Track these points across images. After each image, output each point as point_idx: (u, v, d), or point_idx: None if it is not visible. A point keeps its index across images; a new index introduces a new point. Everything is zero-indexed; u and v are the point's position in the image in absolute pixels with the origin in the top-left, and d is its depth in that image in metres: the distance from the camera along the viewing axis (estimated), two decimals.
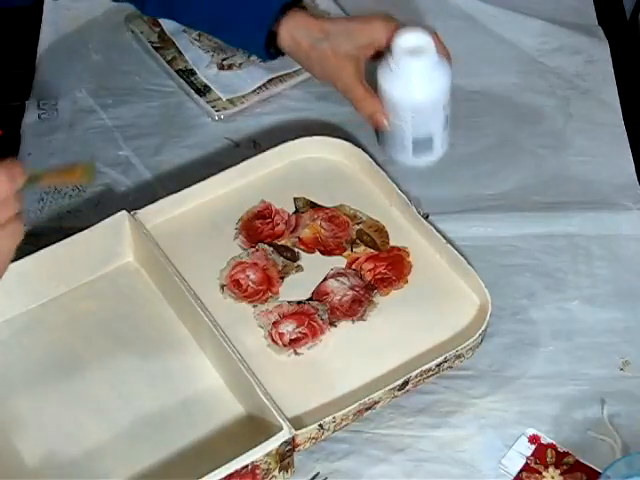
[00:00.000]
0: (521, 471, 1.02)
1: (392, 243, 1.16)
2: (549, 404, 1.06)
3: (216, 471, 0.93)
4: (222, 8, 1.22)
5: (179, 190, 1.16)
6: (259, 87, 1.31)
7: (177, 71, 1.32)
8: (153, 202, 1.14)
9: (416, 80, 1.12)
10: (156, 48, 1.34)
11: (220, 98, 1.30)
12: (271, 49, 1.23)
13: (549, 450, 1.03)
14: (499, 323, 1.11)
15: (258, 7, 1.21)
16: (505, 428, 1.04)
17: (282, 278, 1.13)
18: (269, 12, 1.20)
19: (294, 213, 1.18)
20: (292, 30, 1.19)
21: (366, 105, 1.17)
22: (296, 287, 1.12)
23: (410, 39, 1.11)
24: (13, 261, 0.90)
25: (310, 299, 1.12)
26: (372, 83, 1.18)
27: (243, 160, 1.19)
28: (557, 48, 1.38)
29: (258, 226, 1.17)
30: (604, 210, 1.21)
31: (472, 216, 1.20)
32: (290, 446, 0.97)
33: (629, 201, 1.22)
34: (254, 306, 1.11)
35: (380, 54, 1.16)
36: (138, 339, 1.08)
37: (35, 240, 1.10)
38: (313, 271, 1.14)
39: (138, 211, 1.13)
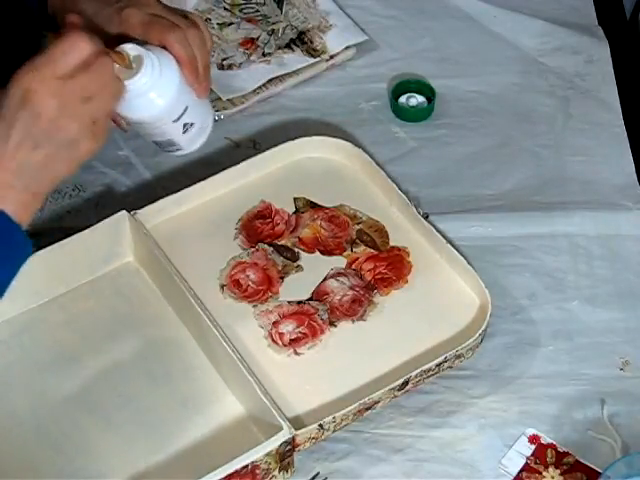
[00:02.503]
0: (521, 471, 1.02)
1: (392, 243, 1.16)
2: (549, 404, 1.06)
3: (216, 471, 0.93)
4: None
5: (179, 190, 1.16)
6: (259, 87, 1.31)
7: None
8: (153, 202, 1.14)
9: (131, 101, 0.96)
10: None
11: (220, 98, 1.30)
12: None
13: (549, 450, 1.03)
14: (499, 323, 1.11)
15: None
16: (505, 428, 1.04)
17: (282, 278, 1.13)
18: None
19: (294, 213, 1.18)
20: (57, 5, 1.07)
21: None
22: (296, 287, 1.12)
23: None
24: None
25: (310, 299, 1.12)
26: None
27: (243, 160, 1.19)
28: (557, 48, 1.38)
29: (258, 226, 1.17)
30: (604, 210, 1.21)
31: (472, 216, 1.20)
32: (290, 446, 0.97)
33: (629, 201, 1.22)
34: (254, 306, 1.11)
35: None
36: (138, 339, 1.08)
37: (35, 240, 1.09)
38: (313, 271, 1.14)
39: (138, 211, 1.13)
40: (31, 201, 0.88)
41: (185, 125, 1.02)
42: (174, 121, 1.00)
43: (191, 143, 1.04)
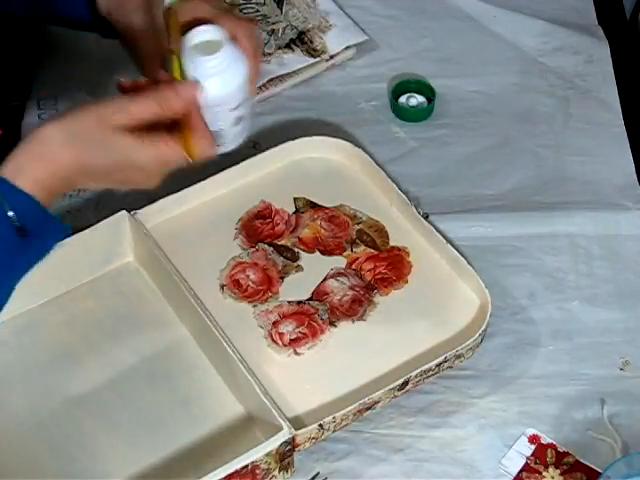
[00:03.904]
0: (521, 471, 1.02)
1: (392, 243, 1.16)
2: (549, 404, 1.06)
3: (216, 471, 0.93)
4: None
5: (179, 190, 1.16)
6: (259, 87, 1.31)
7: None
8: (153, 202, 1.14)
9: (201, 80, 1.00)
10: None
11: None
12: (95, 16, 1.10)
13: (549, 450, 1.03)
14: (499, 323, 1.11)
15: None
16: (505, 428, 1.04)
17: (282, 278, 1.13)
18: None
19: (294, 213, 1.18)
20: None
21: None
22: (296, 287, 1.12)
23: (201, 36, 1.01)
24: None
25: (310, 299, 1.12)
26: None
27: (243, 160, 1.19)
28: (557, 48, 1.38)
29: (258, 226, 1.17)
30: (604, 210, 1.21)
31: (472, 216, 1.20)
32: (290, 446, 0.97)
33: (629, 201, 1.22)
34: (254, 306, 1.11)
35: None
36: (138, 339, 1.08)
37: None
38: (313, 271, 1.14)
39: (138, 211, 1.13)
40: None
41: (237, 118, 1.04)
42: (232, 109, 1.02)
43: (234, 139, 1.06)
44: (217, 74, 0.98)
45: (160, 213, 1.15)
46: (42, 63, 1.34)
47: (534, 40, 1.39)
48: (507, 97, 1.33)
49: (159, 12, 1.04)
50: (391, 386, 1.01)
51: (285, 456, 0.98)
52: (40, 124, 0.90)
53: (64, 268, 1.09)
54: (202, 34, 1.00)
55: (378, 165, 1.19)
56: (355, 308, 1.11)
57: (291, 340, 1.08)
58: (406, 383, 1.02)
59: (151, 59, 1.04)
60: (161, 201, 1.15)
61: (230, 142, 1.05)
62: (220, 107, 1.00)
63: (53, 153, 0.89)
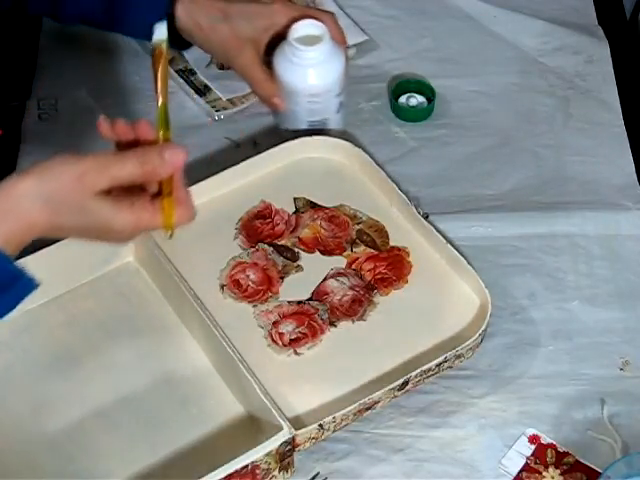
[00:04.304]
0: (521, 471, 1.02)
1: (392, 243, 1.16)
2: (549, 404, 1.06)
3: (216, 471, 0.93)
4: None
5: None
6: None
7: (177, 71, 1.32)
8: None
9: (310, 70, 1.13)
10: None
11: (220, 98, 1.30)
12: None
13: (549, 450, 1.03)
14: (499, 323, 1.11)
15: None
16: (505, 428, 1.04)
17: (282, 278, 1.13)
18: None
19: (294, 213, 1.18)
20: (191, 12, 1.15)
21: (263, 88, 1.18)
22: (296, 287, 1.12)
23: (305, 29, 1.11)
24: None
25: (310, 299, 1.12)
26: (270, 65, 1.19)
27: (243, 160, 1.19)
28: (557, 48, 1.38)
29: (258, 226, 1.17)
30: (604, 210, 1.21)
31: (472, 216, 1.20)
32: (290, 446, 0.97)
33: (629, 201, 1.22)
34: (254, 306, 1.11)
35: (280, 37, 1.16)
36: (138, 339, 1.08)
37: (35, 240, 1.09)
38: (313, 271, 1.14)
39: None
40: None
41: (340, 104, 1.13)
42: (336, 95, 1.12)
43: (337, 127, 1.16)
44: (323, 62, 1.09)
45: None
46: (42, 63, 1.34)
47: (534, 40, 1.39)
48: (507, 97, 1.33)
49: (240, 22, 1.14)
50: (391, 386, 1.01)
51: (285, 456, 0.98)
52: (14, 177, 0.87)
53: (64, 268, 1.09)
54: (305, 27, 1.09)
55: (378, 165, 1.19)
56: (355, 308, 1.11)
57: (291, 340, 1.08)
58: (406, 383, 1.02)
59: (253, 69, 1.16)
60: None
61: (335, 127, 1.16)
62: (327, 94, 1.10)
63: (27, 211, 0.87)
